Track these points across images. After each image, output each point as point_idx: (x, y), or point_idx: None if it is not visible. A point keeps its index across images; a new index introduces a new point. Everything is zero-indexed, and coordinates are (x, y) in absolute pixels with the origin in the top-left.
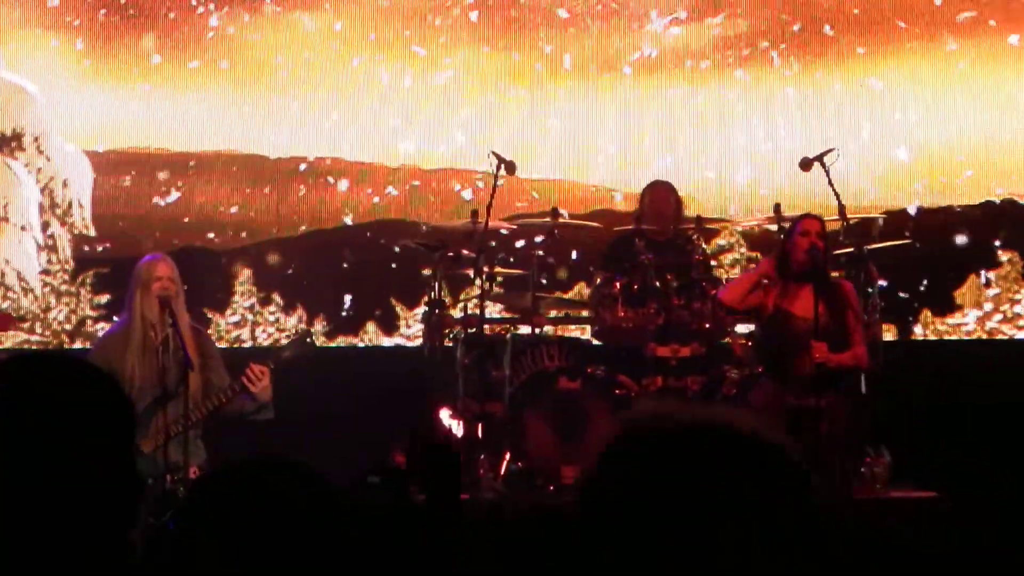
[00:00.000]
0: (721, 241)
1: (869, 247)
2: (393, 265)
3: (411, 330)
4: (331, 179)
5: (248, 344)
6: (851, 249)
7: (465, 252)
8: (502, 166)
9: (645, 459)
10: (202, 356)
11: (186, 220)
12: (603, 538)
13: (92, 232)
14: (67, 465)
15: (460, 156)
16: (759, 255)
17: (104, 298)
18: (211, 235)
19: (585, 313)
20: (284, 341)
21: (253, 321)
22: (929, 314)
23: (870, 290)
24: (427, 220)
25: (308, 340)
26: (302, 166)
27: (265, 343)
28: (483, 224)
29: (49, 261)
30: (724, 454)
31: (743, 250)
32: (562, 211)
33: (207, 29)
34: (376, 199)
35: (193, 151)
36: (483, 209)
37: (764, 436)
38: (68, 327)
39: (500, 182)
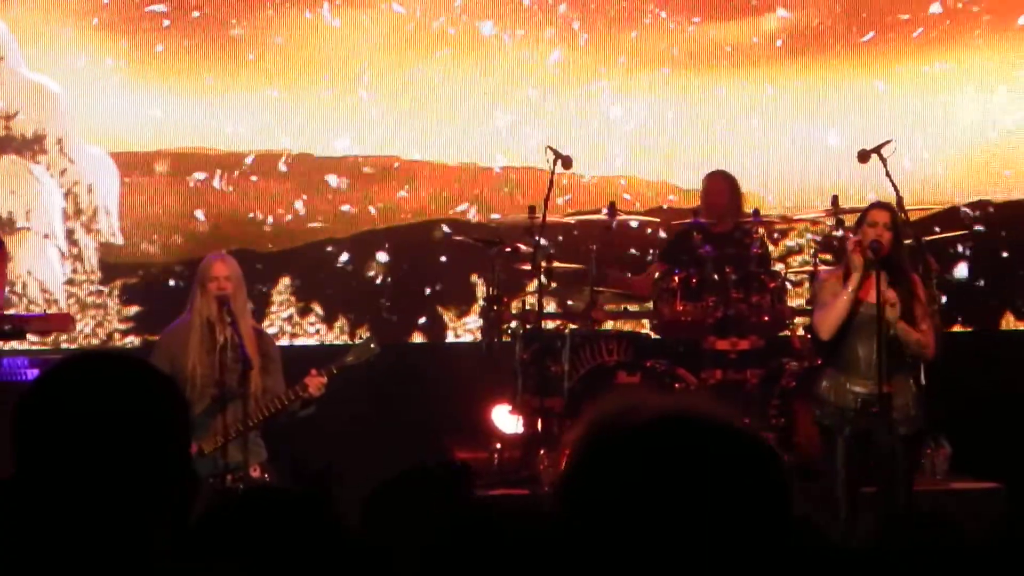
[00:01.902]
0: (790, 242)
1: (927, 238)
2: (442, 260)
3: (460, 340)
4: (374, 177)
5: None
6: (909, 240)
7: (523, 247)
8: (559, 161)
9: (615, 454)
10: (262, 357)
11: (220, 226)
12: (584, 535)
13: (119, 240)
14: (122, 464)
15: (517, 153)
16: (831, 258)
17: (133, 310)
18: (246, 242)
19: (644, 307)
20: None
21: (292, 333)
22: (1012, 319)
23: (931, 277)
24: (479, 220)
25: (372, 345)
26: (341, 169)
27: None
28: (540, 219)
29: (74, 271)
30: (691, 441)
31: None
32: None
33: (242, 27)
34: (425, 197)
35: (227, 152)
36: (540, 204)
37: (728, 420)
38: (95, 341)
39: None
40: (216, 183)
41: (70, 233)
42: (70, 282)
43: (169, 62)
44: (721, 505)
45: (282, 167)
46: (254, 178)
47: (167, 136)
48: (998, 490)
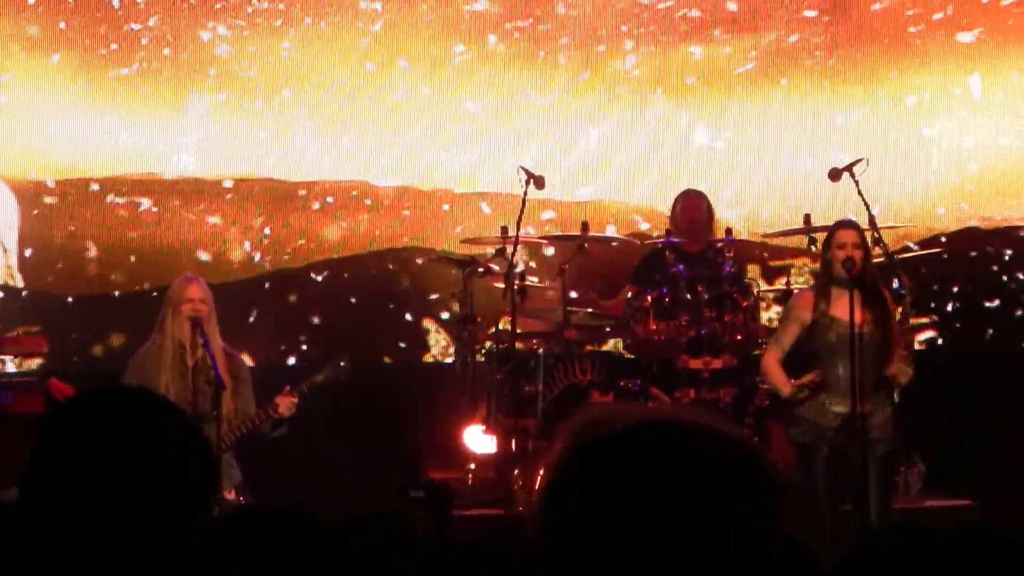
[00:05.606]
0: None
1: (900, 256)
2: (411, 288)
3: (434, 360)
4: (318, 204)
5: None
6: (882, 258)
7: (495, 267)
8: (531, 182)
9: (598, 463)
10: (233, 379)
11: (141, 260)
12: (569, 544)
13: (19, 282)
14: (148, 501)
15: (479, 177)
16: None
17: (35, 363)
18: (167, 281)
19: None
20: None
21: None
22: None
23: (903, 292)
24: (440, 246)
25: (342, 364)
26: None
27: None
28: (513, 239)
29: None
30: (673, 446)
31: None
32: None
33: (163, 43)
34: (388, 223)
35: (150, 178)
36: (512, 225)
37: (711, 425)
38: None
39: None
40: (138, 212)
41: None
42: None
43: (76, 80)
44: (707, 509)
45: (215, 194)
46: (199, 207)
47: (78, 162)
48: (971, 508)
